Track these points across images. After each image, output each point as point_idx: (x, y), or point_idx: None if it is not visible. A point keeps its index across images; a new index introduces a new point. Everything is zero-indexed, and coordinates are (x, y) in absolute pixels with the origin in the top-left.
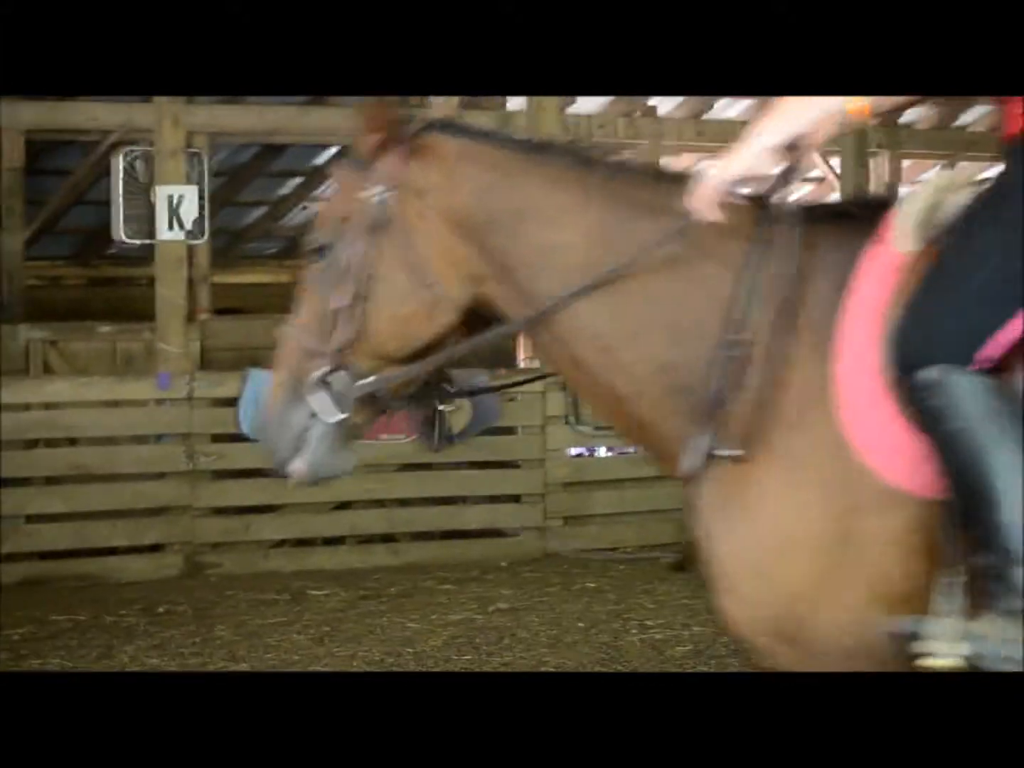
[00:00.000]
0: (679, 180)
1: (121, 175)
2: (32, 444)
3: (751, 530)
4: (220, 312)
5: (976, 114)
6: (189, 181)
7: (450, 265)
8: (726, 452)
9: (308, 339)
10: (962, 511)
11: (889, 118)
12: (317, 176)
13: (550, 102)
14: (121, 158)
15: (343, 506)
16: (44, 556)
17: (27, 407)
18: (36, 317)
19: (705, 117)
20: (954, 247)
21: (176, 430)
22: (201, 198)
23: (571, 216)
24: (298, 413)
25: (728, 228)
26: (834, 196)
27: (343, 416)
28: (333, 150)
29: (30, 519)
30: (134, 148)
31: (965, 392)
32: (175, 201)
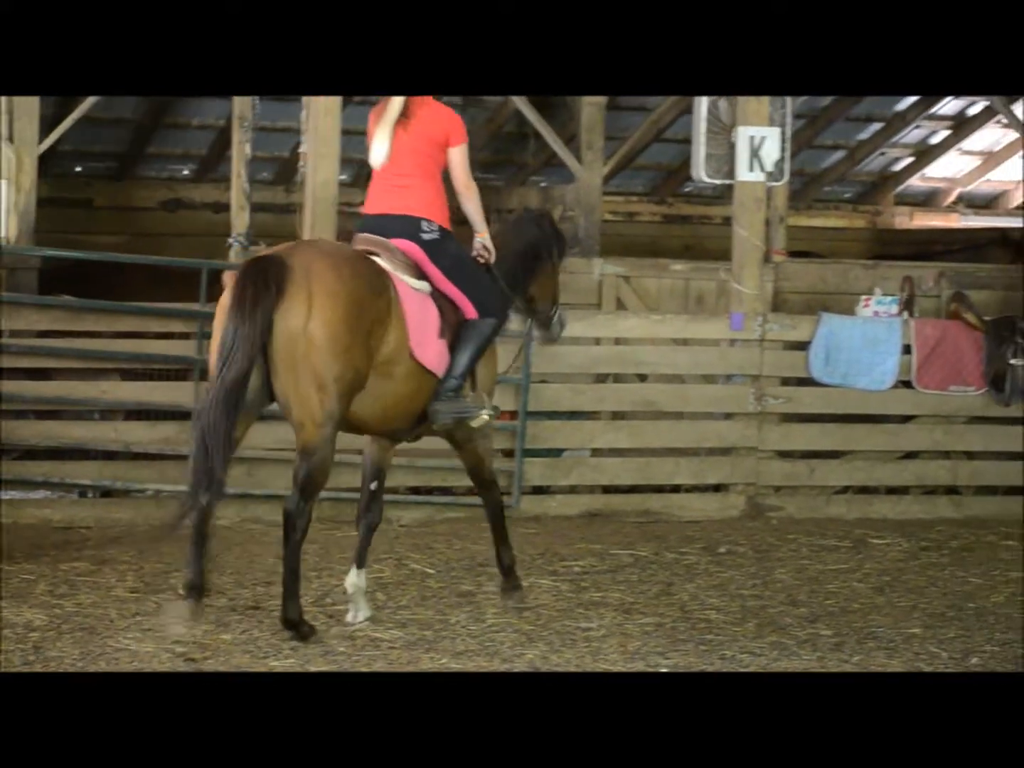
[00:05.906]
0: None
1: (705, 115)
2: (602, 378)
3: None
4: (793, 254)
5: None
6: (771, 123)
7: None
8: None
9: None
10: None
11: None
12: (896, 122)
13: None
14: (705, 98)
15: (909, 456)
16: (607, 490)
17: (598, 341)
18: (611, 252)
19: None
20: None
21: (746, 371)
22: (783, 140)
23: None
24: None
25: None
26: None
27: None
28: (912, 99)
29: (595, 452)
30: None
31: None
32: (756, 142)
